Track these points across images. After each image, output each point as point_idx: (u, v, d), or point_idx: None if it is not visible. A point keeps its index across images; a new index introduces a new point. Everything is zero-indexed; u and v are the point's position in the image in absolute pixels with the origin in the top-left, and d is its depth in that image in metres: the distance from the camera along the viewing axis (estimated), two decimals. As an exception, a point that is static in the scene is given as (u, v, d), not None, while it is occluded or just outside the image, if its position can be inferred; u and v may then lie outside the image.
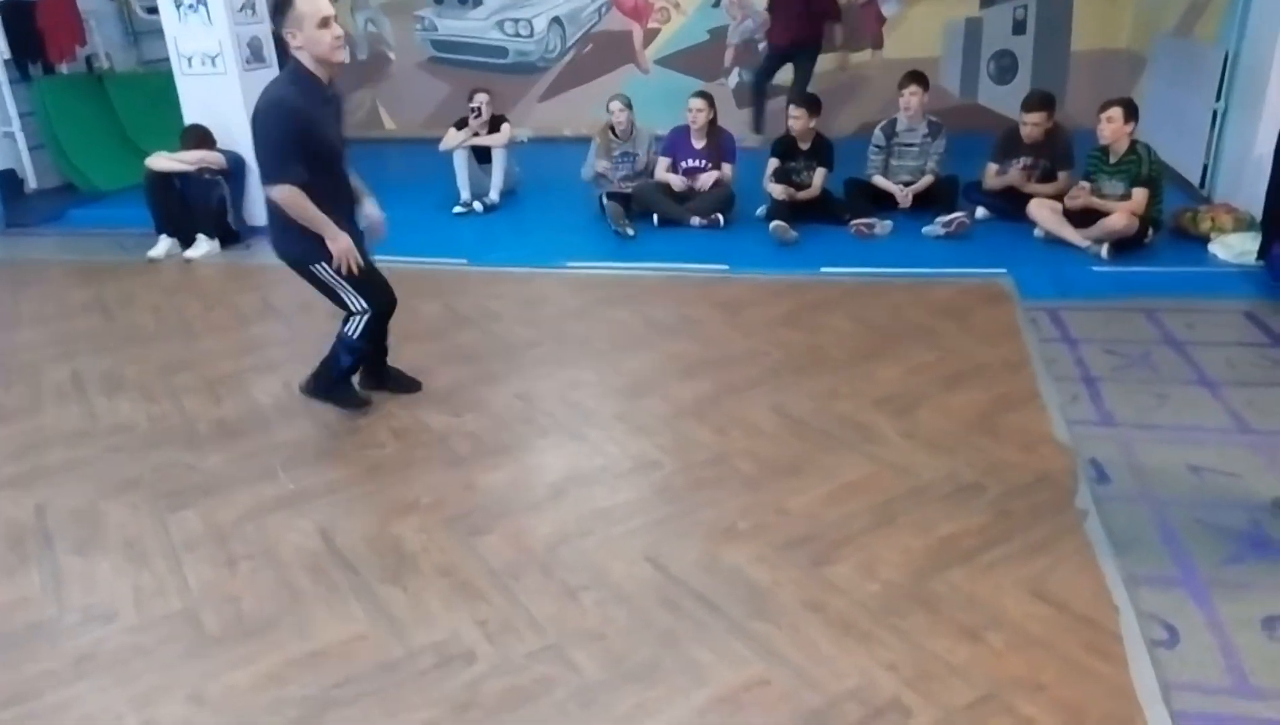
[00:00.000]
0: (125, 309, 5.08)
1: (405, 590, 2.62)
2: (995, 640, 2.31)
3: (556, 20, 8.84)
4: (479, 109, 6.50)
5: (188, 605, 2.61)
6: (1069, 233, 5.11)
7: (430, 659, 2.36)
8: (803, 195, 5.77)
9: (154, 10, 6.75)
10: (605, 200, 6.01)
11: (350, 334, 3.56)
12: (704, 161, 6.03)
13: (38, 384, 4.15)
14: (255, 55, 6.11)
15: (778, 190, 5.71)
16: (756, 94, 7.97)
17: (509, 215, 6.54)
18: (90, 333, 4.77)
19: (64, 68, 7.93)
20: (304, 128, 3.17)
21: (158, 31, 6.78)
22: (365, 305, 3.52)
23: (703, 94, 6.08)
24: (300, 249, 3.40)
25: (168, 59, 6.28)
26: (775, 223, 5.54)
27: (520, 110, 8.73)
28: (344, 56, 3.21)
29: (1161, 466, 3.05)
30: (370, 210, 3.66)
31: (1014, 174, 5.54)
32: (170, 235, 5.94)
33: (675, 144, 6.14)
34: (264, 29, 6.17)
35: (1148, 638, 2.30)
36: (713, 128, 6.03)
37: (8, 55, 7.44)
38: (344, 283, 3.46)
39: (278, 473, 3.28)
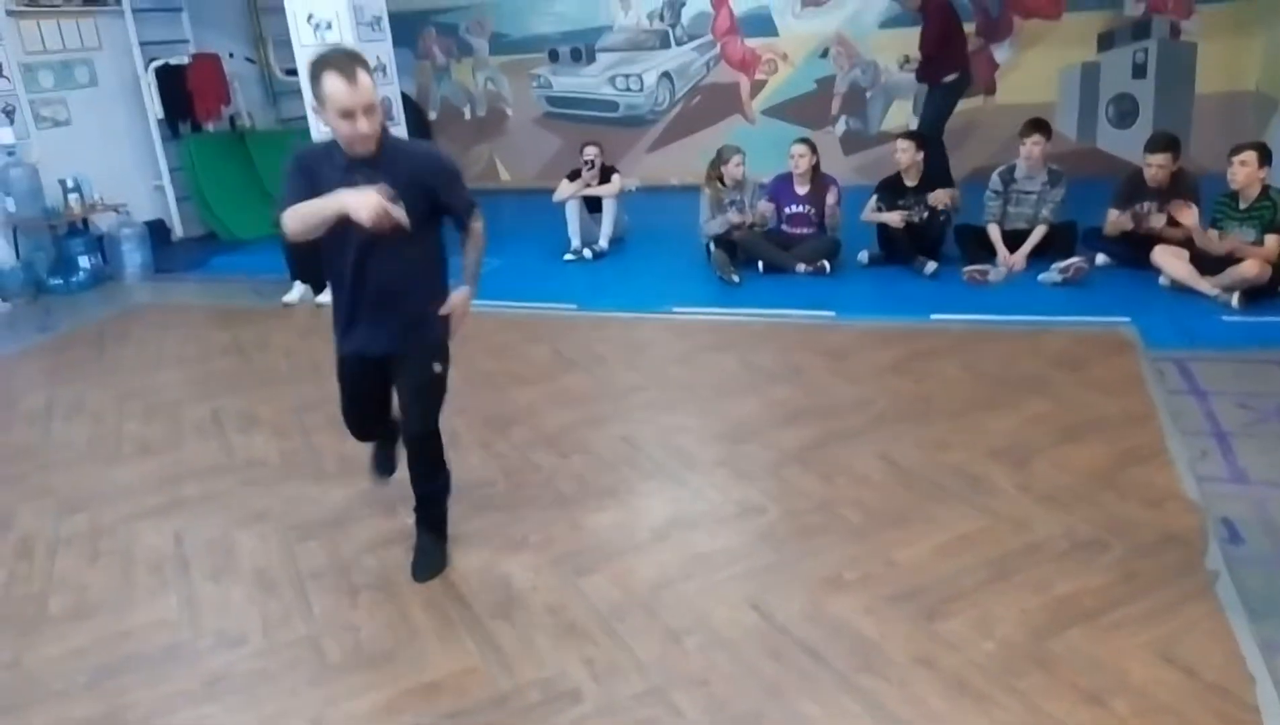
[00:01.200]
0: (261, 351, 5.41)
1: (514, 626, 2.69)
2: (1119, 706, 2.21)
3: (666, 75, 9.06)
4: (591, 161, 6.71)
5: (311, 633, 2.74)
6: (1197, 280, 4.89)
7: (537, 695, 2.41)
8: (902, 219, 5.72)
9: (292, 72, 7.25)
10: (711, 248, 6.08)
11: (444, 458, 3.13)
12: (807, 207, 6.05)
13: (179, 420, 4.45)
14: (385, 114, 6.45)
15: (881, 217, 5.71)
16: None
17: (617, 262, 6.70)
18: (228, 373, 5.10)
19: (210, 126, 8.57)
20: (307, 181, 2.72)
21: (295, 92, 7.28)
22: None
23: (805, 140, 6.12)
24: (436, 334, 3.03)
25: (304, 117, 6.71)
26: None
27: (629, 161, 8.95)
28: (364, 150, 2.69)
29: (1301, 528, 2.88)
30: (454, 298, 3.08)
31: (1152, 219, 5.30)
32: (303, 281, 6.30)
33: (779, 190, 6.18)
34: (394, 90, 6.55)
35: (1288, 710, 2.16)
36: (815, 173, 6.06)
37: (161, 115, 8.10)
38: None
39: (396, 508, 3.41)
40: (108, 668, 2.67)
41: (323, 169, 2.74)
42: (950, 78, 6.87)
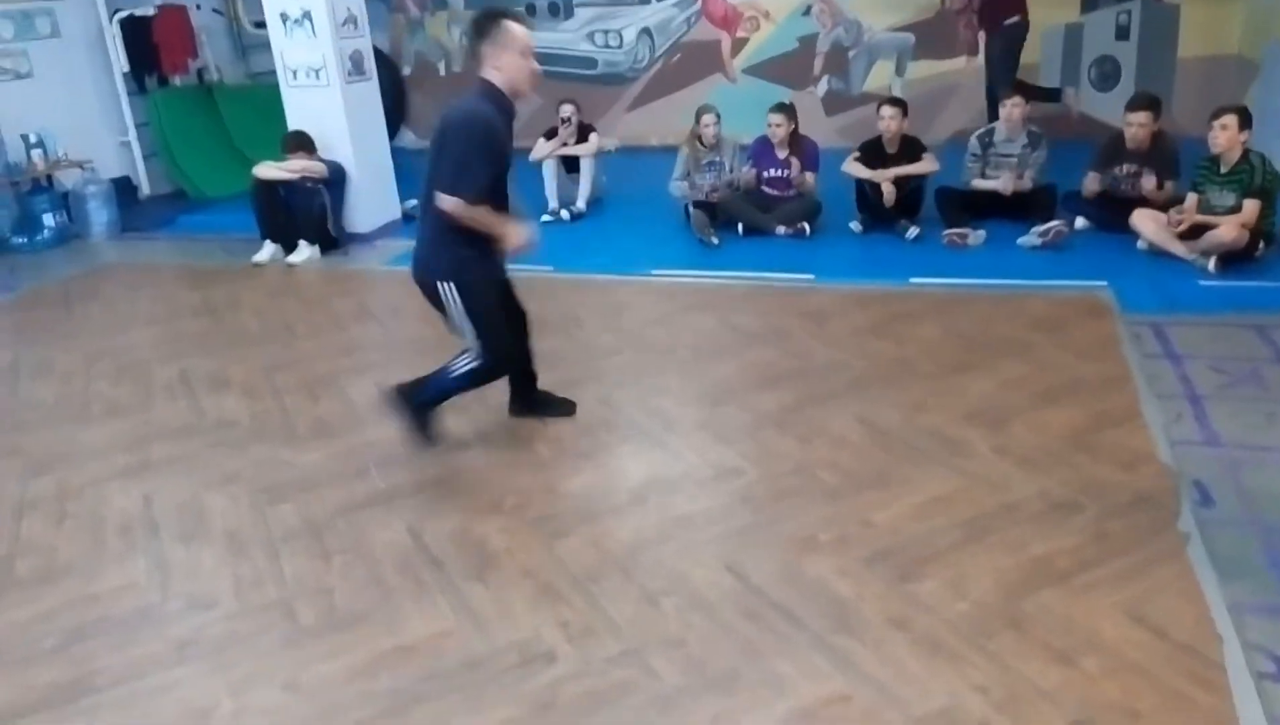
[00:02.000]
0: (231, 311, 5.32)
1: (489, 589, 2.68)
2: (1089, 665, 2.23)
3: (646, 31, 8.91)
4: (568, 119, 6.60)
5: (284, 596, 2.71)
6: (1174, 245, 4.91)
7: (513, 658, 2.40)
8: (886, 176, 5.70)
9: (262, 25, 7.04)
10: (690, 209, 6.02)
11: (451, 372, 3.33)
12: (786, 171, 6.00)
13: (149, 381, 4.37)
14: (357, 68, 6.32)
15: (864, 172, 5.71)
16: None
17: (595, 223, 6.62)
18: (198, 333, 5.01)
19: (177, 80, 8.34)
20: (496, 145, 3.09)
21: (265, 45, 7.08)
22: (482, 353, 3.28)
23: (781, 108, 6.03)
24: (444, 265, 3.22)
25: (274, 71, 6.55)
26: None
27: (608, 120, 8.81)
28: (534, 88, 3.24)
29: (1270, 490, 2.90)
30: (526, 228, 3.32)
31: (1144, 182, 5.29)
32: (274, 241, 6.18)
33: (760, 154, 6.12)
34: (365, 43, 6.38)
35: (1254, 669, 2.19)
36: (794, 137, 5.99)
37: (126, 68, 7.87)
38: (471, 323, 3.25)
39: (370, 471, 3.38)
40: (76, 631, 2.63)
41: (501, 127, 3.13)
42: (1011, 20, 6.84)
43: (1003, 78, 6.86)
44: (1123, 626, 2.34)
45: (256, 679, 2.39)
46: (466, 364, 3.32)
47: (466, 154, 3.06)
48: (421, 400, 3.38)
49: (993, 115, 6.73)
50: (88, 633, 2.62)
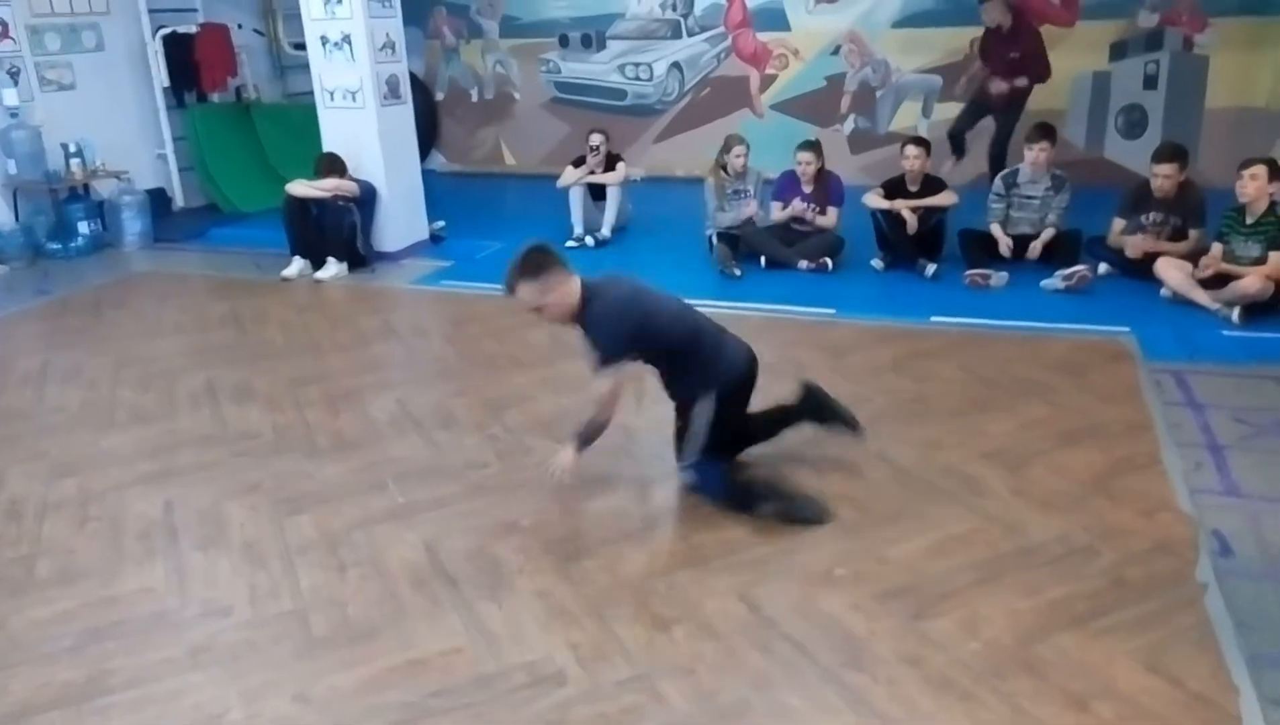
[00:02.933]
0: (258, 324, 5.39)
1: (502, 608, 2.69)
2: (1104, 711, 2.21)
3: (676, 65, 9.02)
4: (597, 147, 6.69)
5: (298, 607, 2.73)
6: (1198, 294, 4.89)
7: (522, 677, 2.40)
8: (906, 204, 5.74)
9: (300, 47, 7.21)
10: (714, 241, 6.07)
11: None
12: (811, 205, 6.05)
13: (174, 390, 4.43)
14: (392, 92, 6.44)
15: (885, 204, 5.74)
16: (956, 146, 7.49)
17: (619, 250, 6.67)
18: (225, 344, 5.08)
19: (215, 97, 8.52)
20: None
21: (302, 66, 7.24)
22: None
23: (810, 145, 6.11)
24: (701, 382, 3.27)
25: (310, 92, 6.68)
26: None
27: (635, 150, 8.91)
28: (562, 325, 3.37)
29: (1292, 543, 2.88)
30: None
31: (1143, 240, 5.31)
32: (303, 257, 6.27)
33: (785, 188, 6.17)
34: (401, 68, 6.50)
35: (1270, 722, 2.16)
36: (820, 174, 6.05)
37: (167, 83, 8.05)
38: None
39: (388, 486, 3.41)
40: (93, 633, 2.66)
41: None
42: (1020, 83, 7.06)
43: (1005, 143, 7.13)
44: (1138, 674, 2.32)
45: (268, 688, 2.41)
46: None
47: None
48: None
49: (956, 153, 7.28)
50: (104, 634, 2.65)
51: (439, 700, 2.33)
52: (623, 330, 3.16)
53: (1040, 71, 7.14)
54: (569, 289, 3.17)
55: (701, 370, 3.27)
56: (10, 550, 3.12)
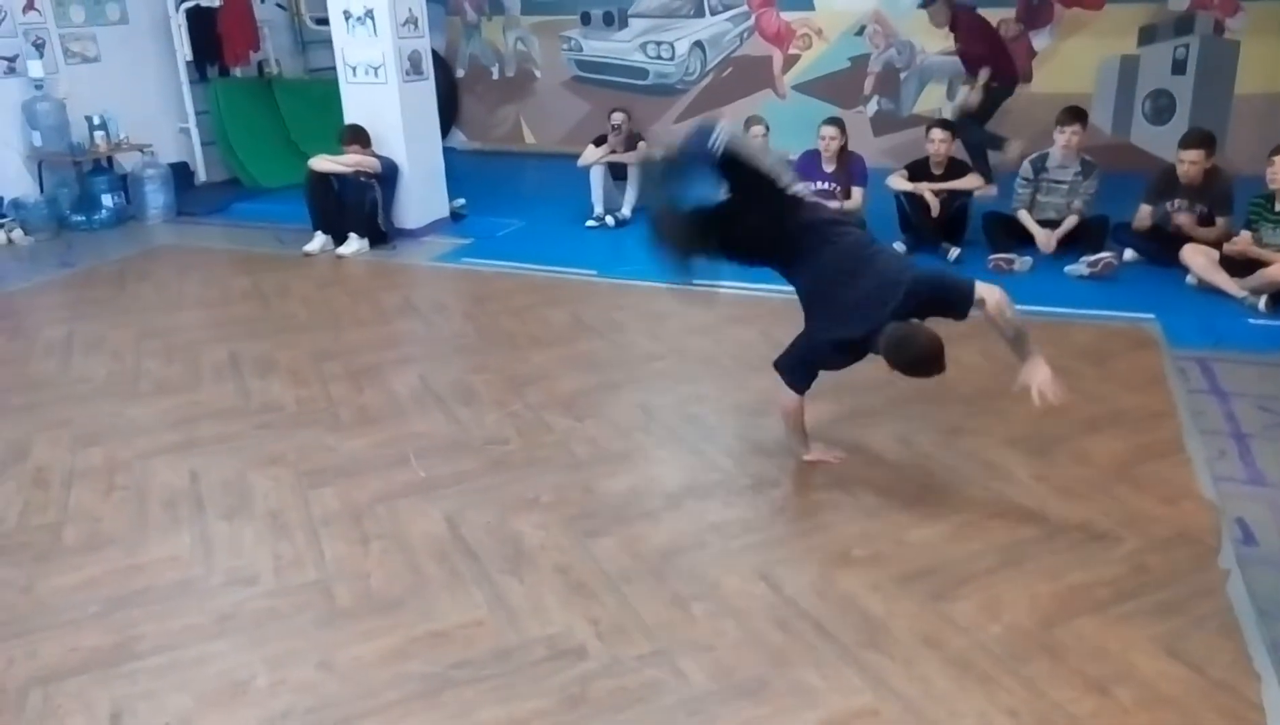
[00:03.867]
0: (280, 298, 5.42)
1: (523, 583, 2.71)
2: (1123, 696, 2.21)
3: (698, 44, 8.96)
4: (619, 126, 6.66)
5: (322, 577, 2.76)
6: (1225, 281, 4.84)
7: (543, 651, 2.42)
8: (930, 187, 5.69)
9: (323, 21, 7.21)
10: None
11: None
12: (834, 185, 6.00)
13: (198, 362, 4.47)
14: (415, 68, 6.43)
15: (909, 186, 5.68)
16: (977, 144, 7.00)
17: (639, 230, 6.62)
18: (247, 318, 5.11)
19: (238, 71, 8.53)
20: None
21: (325, 42, 7.23)
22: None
23: (834, 121, 6.05)
24: None
25: (332, 68, 6.69)
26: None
27: (657, 130, 8.86)
28: None
29: (1316, 533, 2.86)
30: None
31: (1181, 217, 5.25)
32: (325, 232, 6.29)
33: (806, 168, 6.12)
34: (424, 44, 6.49)
35: (1293, 711, 2.16)
36: (843, 153, 6.00)
37: (190, 57, 8.06)
38: None
39: (410, 460, 3.43)
40: (119, 599, 2.70)
41: None
42: (994, 82, 6.85)
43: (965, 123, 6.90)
44: (1159, 659, 2.32)
45: (293, 656, 2.44)
46: None
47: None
48: None
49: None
50: (131, 601, 2.69)
51: (460, 671, 2.35)
52: None
53: (1000, 70, 6.95)
54: None
55: None
56: (38, 517, 3.17)
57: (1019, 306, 4.71)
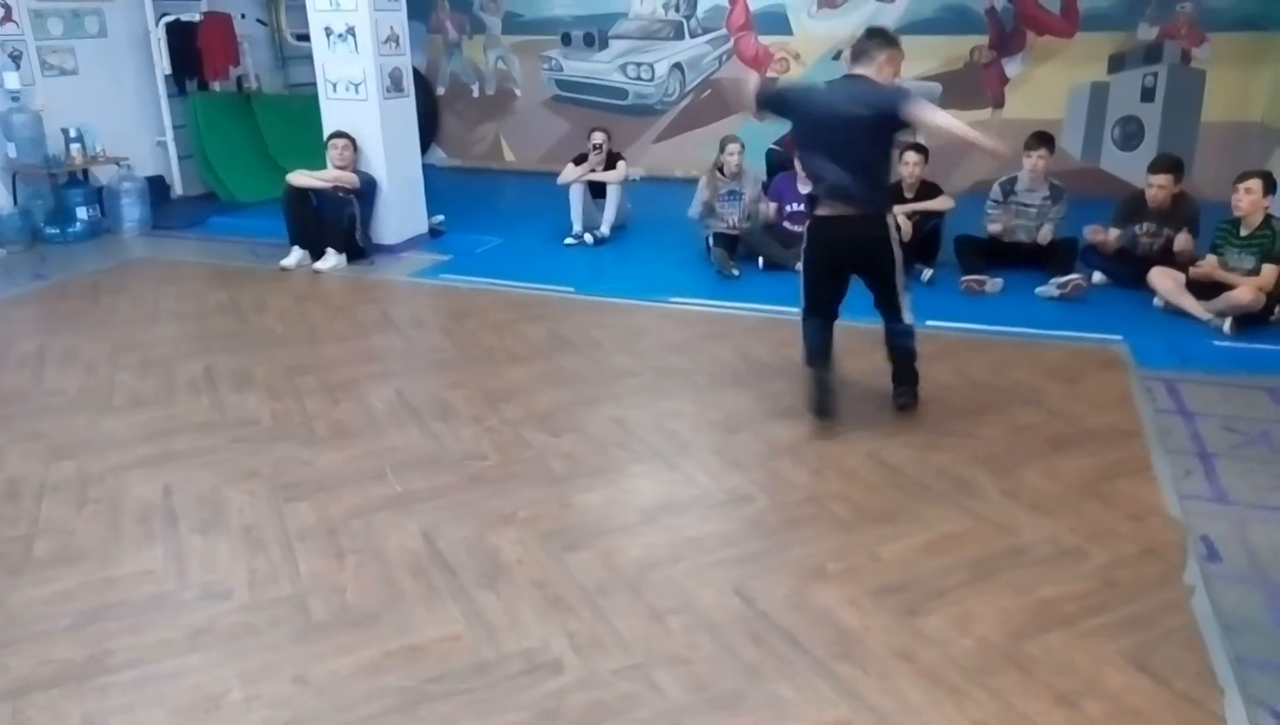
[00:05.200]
0: (257, 313, 5.40)
1: (499, 597, 2.71)
2: (1091, 708, 2.25)
3: (678, 66, 9.06)
4: (599, 146, 6.72)
5: (297, 591, 2.76)
6: (1191, 304, 4.95)
7: (519, 665, 2.43)
8: (901, 209, 5.72)
9: (303, 38, 7.22)
10: (711, 244, 6.10)
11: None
12: (802, 208, 6.09)
13: (173, 376, 4.44)
14: (395, 85, 6.45)
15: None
16: None
17: (617, 249, 6.70)
18: (223, 332, 5.09)
19: (216, 86, 8.51)
20: None
21: (304, 58, 7.26)
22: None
23: None
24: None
25: (311, 83, 6.70)
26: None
27: (635, 150, 8.94)
28: None
29: (1277, 548, 2.92)
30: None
31: (1128, 235, 5.39)
32: (302, 247, 6.28)
33: (782, 188, 6.21)
34: (405, 61, 6.52)
35: (1254, 723, 2.20)
36: None
37: (168, 71, 8.04)
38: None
39: (386, 474, 3.43)
40: (91, 613, 2.68)
41: None
42: None
43: None
44: (1126, 673, 2.36)
45: (268, 670, 2.43)
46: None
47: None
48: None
49: None
50: (103, 615, 2.67)
51: (437, 685, 2.36)
52: None
53: None
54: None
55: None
56: (8, 529, 3.14)
57: (992, 327, 4.84)
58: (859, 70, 3.71)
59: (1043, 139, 5.76)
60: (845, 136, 3.62)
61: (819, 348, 3.86)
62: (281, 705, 2.31)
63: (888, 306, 3.89)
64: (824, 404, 3.80)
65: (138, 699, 2.34)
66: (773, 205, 6.19)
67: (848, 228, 3.71)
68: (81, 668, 2.45)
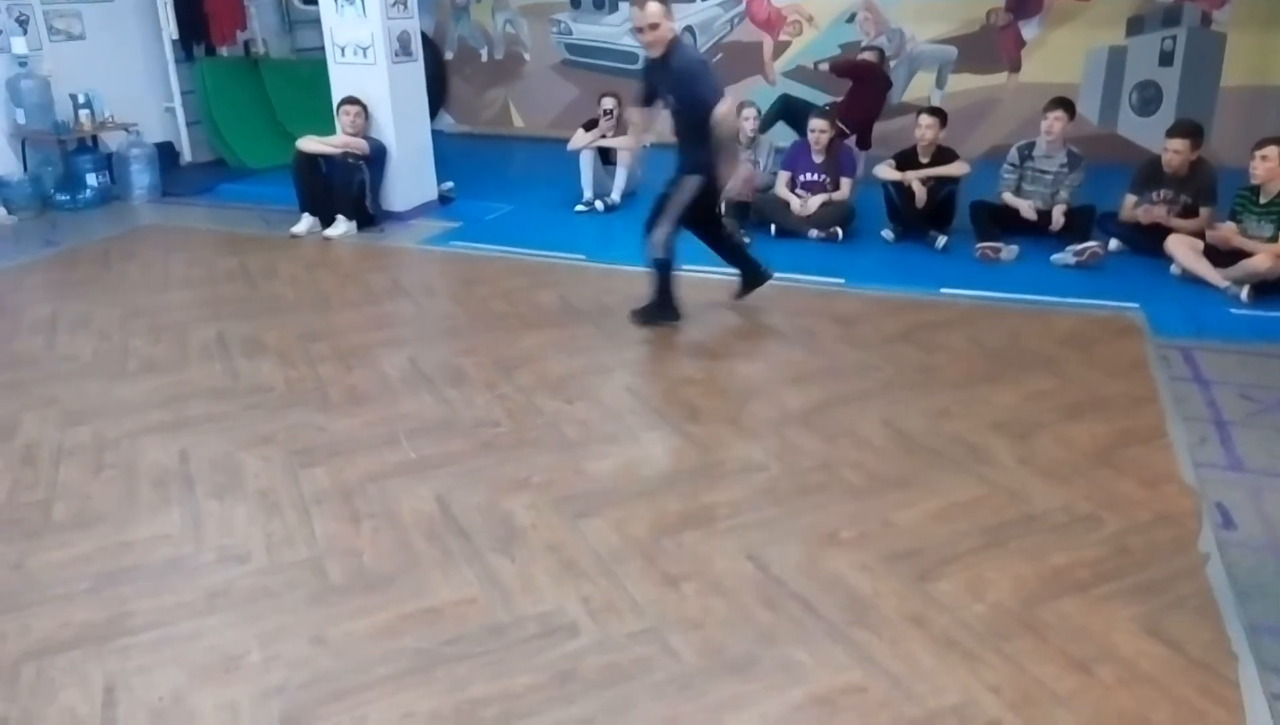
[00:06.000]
0: (267, 279, 5.40)
1: (514, 561, 2.73)
2: (1105, 674, 2.26)
3: (689, 29, 8.93)
4: (610, 111, 6.65)
5: (314, 554, 2.78)
6: (1208, 271, 4.90)
7: (534, 628, 2.45)
8: (916, 175, 5.72)
9: (310, 1, 7.15)
10: (722, 211, 6.04)
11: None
12: (822, 176, 6.03)
13: (185, 342, 4.45)
14: (404, 49, 6.39)
15: (896, 175, 5.73)
16: None
17: (628, 216, 6.63)
18: (234, 298, 5.09)
19: (224, 51, 8.46)
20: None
21: (312, 21, 7.18)
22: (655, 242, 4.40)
23: (824, 113, 6.10)
24: (704, 161, 4.33)
25: (319, 48, 6.64)
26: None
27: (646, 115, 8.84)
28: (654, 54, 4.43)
29: (1294, 517, 2.92)
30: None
31: (1156, 210, 5.32)
32: (312, 214, 6.26)
33: (795, 158, 6.15)
34: (413, 24, 6.45)
35: (1268, 690, 2.21)
36: (832, 145, 6.03)
37: (176, 36, 7.98)
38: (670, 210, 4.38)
39: (400, 440, 3.44)
40: (110, 576, 2.70)
41: None
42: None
43: None
44: (1139, 639, 2.37)
45: (285, 631, 2.45)
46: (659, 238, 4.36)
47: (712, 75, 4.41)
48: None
49: None
50: (121, 578, 2.70)
51: (453, 648, 2.38)
52: (712, 76, 4.41)
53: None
54: (672, 26, 4.31)
55: (708, 151, 4.27)
56: (27, 494, 3.16)
57: (1005, 293, 4.81)
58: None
59: (1060, 102, 5.69)
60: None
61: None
62: (300, 666, 2.33)
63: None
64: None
65: (157, 660, 2.37)
66: (785, 175, 6.13)
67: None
68: (101, 629, 2.48)
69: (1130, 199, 5.48)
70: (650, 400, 3.78)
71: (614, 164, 6.76)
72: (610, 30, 9.22)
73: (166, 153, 7.95)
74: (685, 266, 5.37)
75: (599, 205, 6.66)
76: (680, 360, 4.18)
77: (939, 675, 2.26)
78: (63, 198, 7.09)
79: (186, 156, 8.30)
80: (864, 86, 7.25)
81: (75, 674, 2.32)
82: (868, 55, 7.48)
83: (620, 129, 6.73)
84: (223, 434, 3.54)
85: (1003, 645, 2.35)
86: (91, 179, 7.18)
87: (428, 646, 2.38)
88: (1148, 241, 5.30)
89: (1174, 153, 5.28)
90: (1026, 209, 5.66)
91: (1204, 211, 5.26)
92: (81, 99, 7.11)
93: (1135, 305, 4.64)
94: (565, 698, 2.22)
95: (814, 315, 4.65)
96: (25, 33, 7.05)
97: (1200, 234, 5.08)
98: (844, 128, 6.61)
